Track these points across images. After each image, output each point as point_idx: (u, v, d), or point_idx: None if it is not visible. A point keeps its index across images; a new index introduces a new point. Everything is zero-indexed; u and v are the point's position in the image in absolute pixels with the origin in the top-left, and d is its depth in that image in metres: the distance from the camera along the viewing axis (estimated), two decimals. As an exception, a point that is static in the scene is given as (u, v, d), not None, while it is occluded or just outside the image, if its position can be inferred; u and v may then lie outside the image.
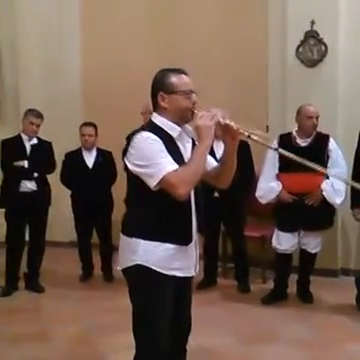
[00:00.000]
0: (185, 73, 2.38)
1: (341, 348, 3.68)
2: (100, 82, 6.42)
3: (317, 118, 4.48)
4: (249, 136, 2.24)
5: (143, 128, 2.37)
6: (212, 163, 2.50)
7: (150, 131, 2.29)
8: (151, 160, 2.21)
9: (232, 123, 2.29)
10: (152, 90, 2.39)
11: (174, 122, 2.35)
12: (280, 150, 2.33)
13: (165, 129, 2.34)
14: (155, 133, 2.28)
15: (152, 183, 2.22)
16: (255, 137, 2.24)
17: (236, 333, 3.96)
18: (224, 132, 2.34)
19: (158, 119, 2.37)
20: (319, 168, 2.42)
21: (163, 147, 2.25)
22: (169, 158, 2.24)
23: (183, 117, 2.35)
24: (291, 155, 2.28)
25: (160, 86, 2.35)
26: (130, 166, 2.30)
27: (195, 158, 2.25)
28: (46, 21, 6.64)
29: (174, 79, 2.33)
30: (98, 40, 6.49)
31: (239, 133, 2.28)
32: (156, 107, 2.39)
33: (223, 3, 5.89)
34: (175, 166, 2.22)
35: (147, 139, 2.26)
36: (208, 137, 2.25)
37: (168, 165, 2.21)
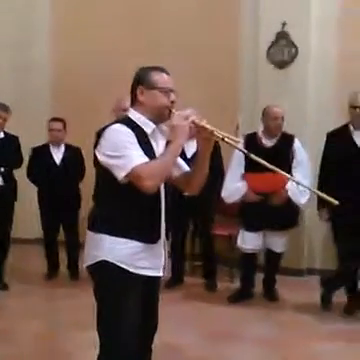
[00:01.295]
0: (166, 72, 2.40)
1: (306, 347, 3.73)
2: (70, 77, 6.35)
3: (282, 119, 4.52)
4: (223, 139, 2.25)
5: (117, 122, 2.36)
6: (183, 167, 2.50)
7: (124, 124, 2.28)
8: (121, 151, 2.20)
9: (208, 125, 2.29)
10: (132, 85, 2.40)
11: (150, 119, 2.35)
12: (252, 156, 2.34)
13: (139, 125, 2.33)
14: (128, 126, 2.27)
15: (121, 174, 2.20)
16: (229, 140, 2.25)
17: (202, 331, 3.97)
18: (198, 133, 2.33)
19: (134, 115, 2.36)
20: (284, 173, 2.44)
21: (135, 140, 2.24)
22: (140, 151, 2.23)
23: (160, 115, 2.35)
24: (263, 161, 2.30)
25: (141, 81, 2.36)
26: (100, 157, 2.27)
27: (166, 153, 2.26)
28: (16, 15, 6.53)
29: (155, 76, 2.35)
30: (68, 33, 6.42)
31: (213, 135, 2.29)
32: (134, 102, 2.39)
33: (196, 2, 5.89)
34: (145, 159, 2.21)
35: (120, 131, 2.25)
36: (182, 136, 2.26)
37: (138, 157, 2.20)
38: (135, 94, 2.37)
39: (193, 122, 2.28)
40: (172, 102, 2.35)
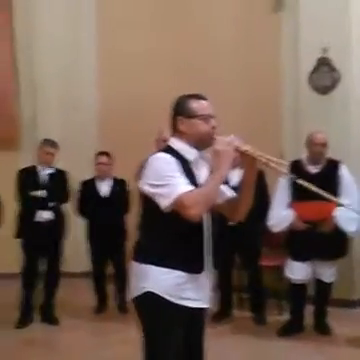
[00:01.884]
0: (204, 98, 2.40)
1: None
2: (115, 112, 6.47)
3: (325, 145, 4.44)
4: (267, 163, 2.23)
5: (159, 151, 2.37)
6: (227, 194, 2.47)
7: (166, 153, 2.30)
8: (165, 180, 2.20)
9: (251, 149, 2.27)
10: (171, 115, 2.41)
11: (192, 147, 2.35)
12: (299, 180, 2.30)
13: (181, 153, 2.33)
14: (171, 155, 2.28)
15: (165, 203, 2.19)
16: (273, 165, 2.23)
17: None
18: (241, 158, 2.32)
19: (176, 144, 2.37)
20: (333, 198, 2.38)
21: (178, 168, 2.25)
22: (183, 179, 2.23)
23: (202, 142, 2.35)
24: (310, 186, 2.25)
25: (179, 110, 2.37)
26: (144, 186, 2.28)
27: (211, 181, 2.24)
28: (63, 53, 6.74)
29: (194, 104, 2.36)
30: (114, 70, 6.57)
31: (257, 160, 2.27)
32: (175, 132, 2.41)
33: (236, 31, 5.92)
34: (190, 187, 2.21)
35: (162, 159, 2.26)
36: (226, 162, 2.24)
37: (182, 185, 2.20)
38: (175, 124, 2.39)
39: (236, 148, 2.27)
40: (213, 128, 2.35)
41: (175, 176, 2.21)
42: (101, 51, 6.71)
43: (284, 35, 5.56)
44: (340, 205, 4.14)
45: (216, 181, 2.23)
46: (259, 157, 2.26)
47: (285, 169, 2.33)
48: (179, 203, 2.17)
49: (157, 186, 2.22)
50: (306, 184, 2.26)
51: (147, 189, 2.26)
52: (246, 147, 2.28)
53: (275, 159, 2.23)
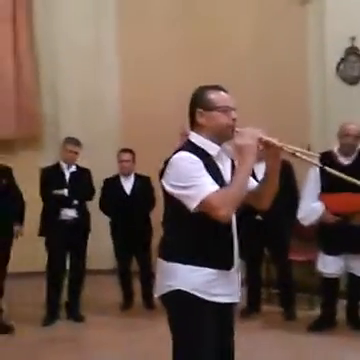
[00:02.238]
0: (224, 90, 2.32)
1: None
2: (138, 108, 6.44)
3: (357, 137, 4.33)
4: (294, 153, 2.15)
5: (181, 148, 2.29)
6: (253, 183, 2.40)
7: (188, 151, 2.21)
8: (190, 181, 2.13)
9: (275, 140, 2.19)
10: (190, 107, 2.33)
11: (213, 140, 2.27)
12: (327, 169, 2.21)
13: (203, 148, 2.26)
14: (193, 153, 2.20)
15: (192, 205, 2.13)
16: (300, 155, 2.15)
17: (283, 362, 3.79)
18: (266, 150, 2.24)
19: (196, 138, 2.29)
20: None
21: (202, 167, 2.17)
22: (209, 178, 2.16)
23: (223, 135, 2.27)
24: (337, 173, 2.17)
25: (198, 103, 2.29)
26: (168, 188, 2.21)
27: (237, 178, 2.16)
28: (84, 52, 6.73)
29: (213, 95, 2.28)
30: (135, 68, 6.54)
31: (283, 150, 2.19)
32: (194, 125, 2.33)
33: (259, 22, 5.86)
34: (216, 187, 2.14)
35: (186, 159, 2.18)
36: (250, 156, 2.16)
37: (208, 186, 2.12)
38: (194, 117, 2.31)
39: (260, 139, 2.18)
40: (233, 120, 2.27)
41: (200, 176, 2.15)
42: (122, 49, 6.68)
43: (310, 26, 5.50)
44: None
45: (242, 178, 2.16)
46: (284, 148, 2.19)
47: (312, 159, 2.23)
48: (207, 204, 2.10)
49: (183, 188, 2.15)
50: (334, 172, 2.19)
51: (172, 190, 2.20)
52: (269, 138, 2.20)
53: (301, 149, 2.17)
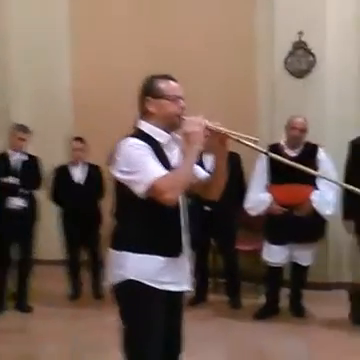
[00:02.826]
0: (173, 79, 2.35)
1: (336, 364, 3.61)
2: (90, 96, 6.35)
3: (304, 130, 4.45)
4: (238, 140, 2.19)
5: (128, 135, 2.30)
6: (201, 173, 2.44)
7: (136, 137, 2.23)
8: (138, 166, 2.15)
9: (221, 127, 2.23)
10: (139, 95, 2.35)
11: (162, 128, 2.30)
12: (270, 154, 2.28)
13: (152, 136, 2.28)
14: (141, 139, 2.22)
15: (140, 190, 2.15)
16: (244, 141, 2.19)
17: (228, 350, 3.90)
18: (213, 137, 2.27)
19: (145, 126, 2.31)
20: (311, 171, 2.38)
21: (150, 152, 2.20)
22: (156, 163, 2.18)
23: (171, 123, 2.30)
24: (281, 158, 2.24)
25: (147, 91, 2.31)
26: (116, 174, 2.22)
27: (184, 163, 2.20)
28: (36, 37, 6.57)
29: (162, 84, 2.30)
30: (87, 53, 6.45)
31: (228, 137, 2.23)
32: (143, 113, 2.34)
33: (210, 13, 5.86)
34: (163, 171, 2.16)
35: (133, 145, 2.20)
36: (196, 142, 2.19)
37: (155, 170, 2.15)
38: (143, 105, 2.32)
39: (206, 126, 2.22)
40: (182, 108, 2.30)
41: (147, 161, 2.17)
42: (74, 35, 6.57)
43: (259, 20, 5.55)
44: (315, 186, 4.20)
45: (189, 163, 2.19)
46: (230, 134, 2.22)
47: (256, 144, 2.26)
48: (153, 189, 2.12)
49: (130, 173, 2.17)
50: (279, 158, 2.26)
51: (120, 176, 2.21)
52: (216, 125, 2.24)
53: (245, 135, 2.19)
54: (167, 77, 2.34)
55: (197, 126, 2.20)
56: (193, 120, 2.22)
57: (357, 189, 2.27)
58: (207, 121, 2.22)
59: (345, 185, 2.58)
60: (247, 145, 2.19)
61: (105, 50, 6.34)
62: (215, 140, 2.28)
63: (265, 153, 2.36)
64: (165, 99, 2.28)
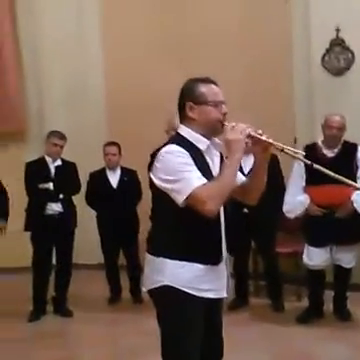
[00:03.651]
0: (215, 83, 2.29)
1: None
2: (123, 101, 6.38)
3: (341, 128, 4.32)
4: (282, 150, 2.14)
5: (170, 141, 2.26)
6: (240, 178, 2.39)
7: (177, 144, 2.19)
8: (178, 175, 2.11)
9: (264, 136, 2.18)
10: (180, 100, 2.30)
11: (202, 134, 2.25)
12: (315, 166, 2.20)
13: (192, 142, 2.23)
14: (182, 146, 2.17)
15: (180, 199, 2.10)
16: (289, 151, 2.15)
17: (271, 354, 3.80)
18: (255, 144, 2.23)
19: (185, 131, 2.27)
20: (353, 183, 2.32)
21: (191, 161, 2.14)
22: (197, 172, 2.13)
23: (212, 129, 2.25)
24: (325, 170, 2.17)
25: (189, 96, 2.25)
26: (156, 181, 2.19)
27: (225, 172, 2.14)
28: (67, 44, 6.65)
29: (204, 89, 2.24)
30: (119, 60, 6.48)
31: (271, 146, 2.18)
32: (183, 118, 2.29)
33: (243, 14, 5.82)
34: (203, 180, 2.11)
35: (174, 152, 2.15)
36: (238, 151, 2.14)
37: (196, 180, 2.10)
38: (184, 110, 2.27)
39: (249, 134, 2.17)
40: (224, 114, 2.25)
41: (188, 170, 2.12)
42: (106, 41, 6.61)
43: (296, 17, 5.45)
44: (357, 189, 4.07)
45: (230, 172, 2.14)
46: (273, 143, 2.17)
47: (300, 156, 2.23)
48: (194, 198, 2.08)
49: (170, 181, 2.13)
50: (323, 170, 2.18)
51: (160, 184, 2.18)
52: (259, 134, 2.18)
53: (290, 148, 2.15)
54: (208, 81, 2.28)
55: (239, 134, 2.15)
56: (236, 127, 2.17)
57: None
58: (250, 129, 2.17)
59: None
60: (290, 155, 2.16)
61: (138, 56, 6.34)
62: (258, 147, 2.23)
63: (310, 165, 2.28)
64: (207, 105, 2.23)
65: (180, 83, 2.34)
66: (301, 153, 2.23)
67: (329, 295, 4.52)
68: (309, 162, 2.28)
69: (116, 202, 5.19)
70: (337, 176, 2.19)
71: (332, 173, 2.19)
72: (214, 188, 2.10)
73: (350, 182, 2.24)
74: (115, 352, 4.01)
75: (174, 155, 2.14)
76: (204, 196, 2.06)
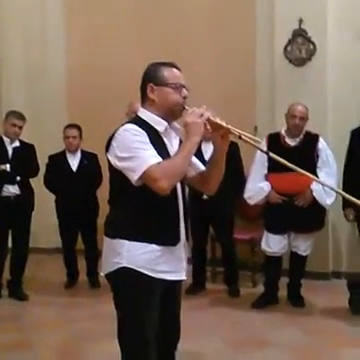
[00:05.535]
0: (177, 67, 2.30)
1: (335, 353, 3.57)
2: (84, 83, 6.30)
3: (302, 118, 4.39)
4: (240, 136, 2.14)
5: (128, 122, 2.26)
6: (199, 166, 2.40)
7: (135, 124, 2.19)
8: (133, 152, 2.11)
9: (223, 122, 2.18)
10: (142, 82, 2.30)
11: (162, 117, 2.25)
12: (271, 154, 2.23)
13: (151, 124, 2.23)
14: (140, 126, 2.17)
15: (134, 177, 2.10)
16: (246, 138, 2.15)
17: (226, 339, 3.85)
18: (214, 131, 2.23)
19: (145, 114, 2.27)
20: (310, 175, 2.37)
21: (147, 139, 2.15)
22: (152, 151, 2.13)
23: (172, 112, 2.25)
24: (282, 160, 2.20)
25: (150, 78, 2.26)
26: (112, 160, 2.19)
27: (181, 152, 2.16)
28: (29, 24, 6.52)
29: (165, 72, 2.25)
30: (82, 41, 6.38)
31: (230, 132, 2.19)
32: (144, 101, 2.29)
33: (210, 3, 5.80)
34: (158, 159, 2.12)
35: (130, 130, 2.16)
36: (196, 134, 2.15)
37: (151, 158, 2.10)
38: (145, 92, 2.27)
39: (208, 119, 2.17)
40: (184, 98, 2.26)
41: (143, 148, 2.12)
42: (68, 20, 6.50)
43: (260, 6, 5.50)
44: (316, 177, 4.16)
45: (186, 153, 2.15)
46: (231, 130, 2.18)
47: (257, 143, 2.24)
48: (148, 176, 2.08)
49: (125, 159, 2.13)
50: (280, 159, 2.20)
51: (115, 162, 2.17)
52: (218, 119, 2.19)
53: (247, 134, 2.15)
54: (171, 65, 2.29)
55: (198, 117, 2.15)
56: (195, 111, 2.17)
57: (350, 196, 2.25)
58: (209, 114, 2.17)
59: (340, 192, 2.56)
60: (247, 142, 2.15)
61: (100, 37, 6.26)
62: (216, 134, 2.24)
63: (266, 153, 2.32)
64: (168, 87, 2.23)
65: (143, 66, 2.33)
66: (258, 140, 2.25)
67: (284, 281, 4.60)
68: (265, 150, 2.32)
69: (75, 186, 5.13)
70: (292, 166, 2.21)
71: (287, 163, 2.20)
72: (168, 167, 2.11)
73: (304, 172, 2.27)
74: (71, 336, 3.97)
75: (130, 133, 2.15)
76: (157, 175, 2.07)
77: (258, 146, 2.30)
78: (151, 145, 2.15)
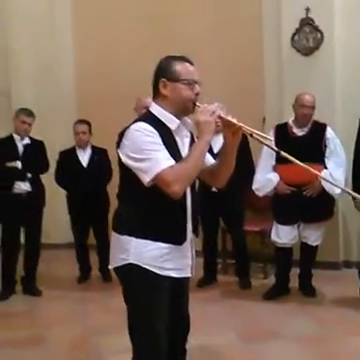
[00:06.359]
0: (190, 62, 2.26)
1: (348, 342, 3.58)
2: (93, 79, 6.32)
3: (311, 108, 4.36)
4: (251, 135, 2.14)
5: (140, 119, 2.24)
6: (209, 160, 2.39)
7: (146, 122, 2.16)
8: (146, 154, 2.09)
9: (235, 120, 2.18)
10: (154, 77, 2.27)
11: (173, 113, 2.23)
12: (282, 153, 2.23)
13: (163, 121, 2.21)
14: (152, 125, 2.15)
15: (146, 179, 2.10)
16: (257, 136, 2.15)
17: (238, 330, 3.86)
18: (225, 128, 2.22)
19: (156, 109, 2.24)
20: (315, 172, 2.41)
21: (159, 140, 2.13)
22: (165, 152, 2.12)
23: (184, 108, 2.23)
24: (292, 158, 2.20)
25: (163, 73, 2.23)
26: (123, 158, 2.17)
27: (193, 154, 2.14)
28: (37, 20, 6.54)
29: (179, 67, 2.22)
30: (91, 37, 6.39)
31: (241, 130, 2.18)
32: (156, 96, 2.27)
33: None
34: (171, 161, 2.10)
35: (143, 130, 2.13)
36: (208, 133, 2.14)
37: (164, 160, 2.09)
38: (157, 87, 2.25)
39: (220, 117, 2.17)
40: (196, 94, 2.23)
41: (155, 149, 2.11)
42: (77, 19, 6.52)
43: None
44: (324, 166, 4.20)
45: (198, 154, 2.14)
46: (243, 128, 2.17)
47: (268, 142, 2.24)
48: (161, 179, 2.08)
49: (137, 160, 2.11)
50: (291, 158, 2.20)
51: (127, 161, 2.16)
52: (229, 117, 2.18)
53: (259, 132, 2.15)
54: (184, 59, 2.26)
55: (210, 115, 2.14)
56: (207, 109, 2.16)
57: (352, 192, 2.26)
58: (221, 111, 2.17)
59: (343, 188, 2.56)
60: (258, 141, 2.15)
61: (110, 33, 6.26)
62: (228, 130, 2.22)
63: (277, 152, 2.29)
64: (180, 83, 2.21)
65: (153, 62, 2.31)
66: (269, 139, 2.25)
67: (294, 272, 4.61)
68: (276, 149, 2.30)
69: (86, 181, 5.14)
70: (301, 164, 2.22)
71: (297, 161, 2.21)
72: (181, 170, 2.09)
73: (312, 170, 2.29)
74: (84, 330, 4.01)
75: (143, 133, 2.12)
76: (171, 178, 2.06)
77: (269, 144, 2.30)
78: (163, 146, 2.13)
